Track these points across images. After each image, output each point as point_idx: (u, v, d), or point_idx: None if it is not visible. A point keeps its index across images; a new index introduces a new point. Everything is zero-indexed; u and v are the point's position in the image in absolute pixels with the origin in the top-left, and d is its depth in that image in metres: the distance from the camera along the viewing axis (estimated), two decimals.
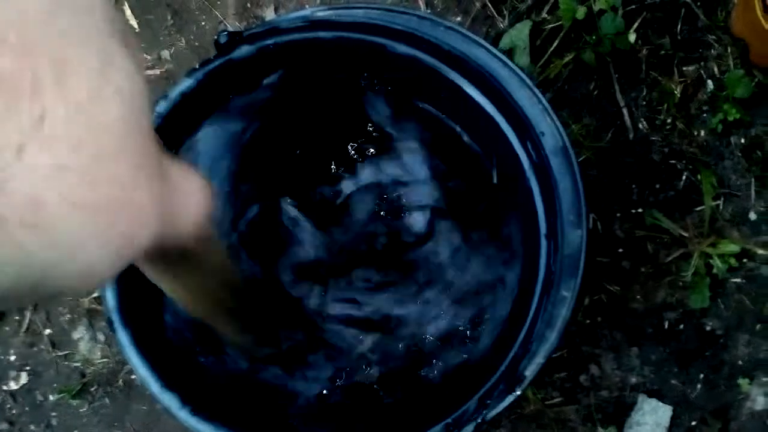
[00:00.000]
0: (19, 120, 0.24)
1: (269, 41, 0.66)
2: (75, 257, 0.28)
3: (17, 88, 0.24)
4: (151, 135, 0.31)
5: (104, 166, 0.27)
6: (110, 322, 0.64)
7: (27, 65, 0.25)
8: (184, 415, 0.62)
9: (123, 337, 0.64)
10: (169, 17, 1.02)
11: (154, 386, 0.63)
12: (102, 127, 0.27)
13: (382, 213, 0.79)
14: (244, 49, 0.66)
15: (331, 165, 0.80)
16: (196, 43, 1.02)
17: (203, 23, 1.02)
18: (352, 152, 0.79)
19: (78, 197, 0.26)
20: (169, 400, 0.62)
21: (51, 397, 0.98)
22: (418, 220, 0.79)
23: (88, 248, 0.28)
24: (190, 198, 0.36)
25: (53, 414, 0.98)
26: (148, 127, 0.31)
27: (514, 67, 0.66)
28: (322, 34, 0.67)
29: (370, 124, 0.77)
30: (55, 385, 0.98)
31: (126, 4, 1.03)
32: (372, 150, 0.79)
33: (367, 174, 0.79)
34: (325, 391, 0.74)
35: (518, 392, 0.60)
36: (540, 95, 0.66)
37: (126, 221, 0.29)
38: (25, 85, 0.25)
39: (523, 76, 0.66)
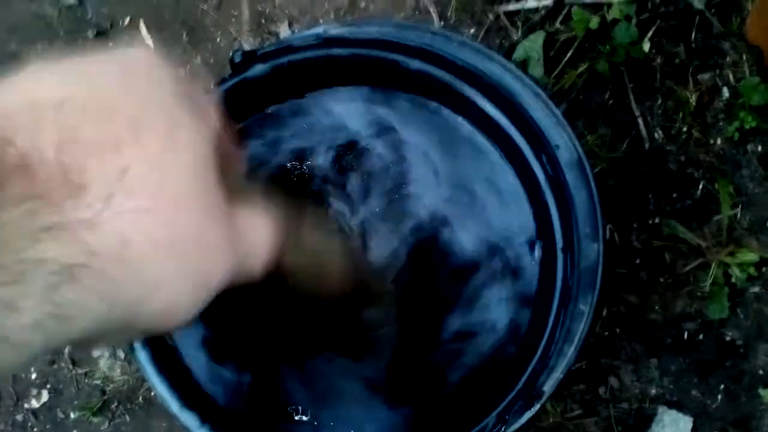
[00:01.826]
0: (107, 174, 0.29)
1: (283, 59, 0.67)
2: (158, 293, 0.31)
3: (103, 148, 0.29)
4: (217, 179, 0.34)
5: (178, 209, 0.31)
6: (129, 342, 0.65)
7: (109, 130, 0.30)
8: None
9: (142, 356, 0.64)
10: (184, 34, 1.03)
11: (173, 405, 0.63)
12: (174, 175, 0.31)
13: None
14: (258, 68, 0.66)
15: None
16: (212, 60, 1.03)
17: (218, 40, 1.03)
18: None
19: (158, 237, 0.30)
20: (188, 419, 0.63)
21: (72, 415, 0.99)
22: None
23: (169, 285, 0.31)
24: (257, 237, 0.39)
25: (74, 431, 0.99)
26: (214, 173, 0.34)
27: (528, 81, 0.66)
28: (335, 51, 0.67)
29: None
30: (75, 402, 0.99)
31: (141, 21, 1.04)
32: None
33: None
34: None
35: (537, 407, 0.60)
36: (554, 108, 0.66)
37: (201, 259, 0.33)
38: (109, 145, 0.29)
39: (537, 89, 0.66)
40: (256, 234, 0.38)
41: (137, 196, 0.29)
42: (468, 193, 0.73)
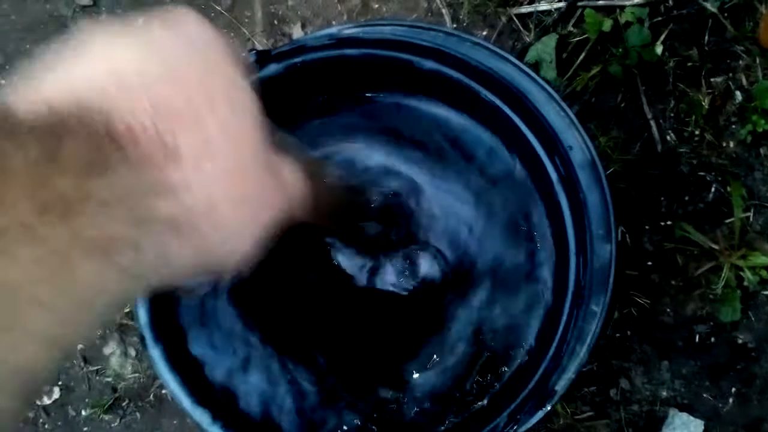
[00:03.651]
0: (195, 141, 0.33)
1: (297, 59, 0.67)
2: (230, 240, 0.36)
3: (188, 117, 0.33)
4: (267, 141, 0.38)
5: (247, 169, 0.36)
6: (142, 338, 0.65)
7: (190, 100, 0.33)
8: (215, 431, 0.63)
9: (155, 353, 0.65)
10: None
11: (185, 402, 0.63)
12: (241, 137, 0.36)
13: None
14: (272, 68, 0.67)
15: None
16: None
17: (231, 41, 1.03)
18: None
19: (234, 194, 0.35)
20: (200, 416, 0.63)
21: (83, 412, 0.99)
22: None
23: (238, 232, 0.37)
24: (297, 185, 0.43)
25: (85, 429, 0.99)
26: (264, 134, 0.38)
27: (541, 82, 0.66)
28: (349, 51, 0.67)
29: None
30: (87, 399, 0.99)
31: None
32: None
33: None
34: (357, 421, 0.74)
35: (548, 407, 0.60)
36: (567, 109, 0.66)
37: (262, 209, 0.38)
38: (193, 115, 0.33)
39: (550, 90, 0.66)
40: (296, 183, 0.43)
41: (219, 160, 0.34)
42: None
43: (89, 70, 0.32)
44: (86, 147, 0.29)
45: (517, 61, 0.67)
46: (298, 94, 0.70)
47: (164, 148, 0.31)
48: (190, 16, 0.37)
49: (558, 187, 0.65)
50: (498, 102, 0.66)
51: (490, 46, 0.67)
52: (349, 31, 0.68)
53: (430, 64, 0.67)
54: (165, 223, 0.32)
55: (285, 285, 0.75)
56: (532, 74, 0.66)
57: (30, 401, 0.34)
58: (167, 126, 0.32)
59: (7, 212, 0.27)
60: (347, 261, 0.74)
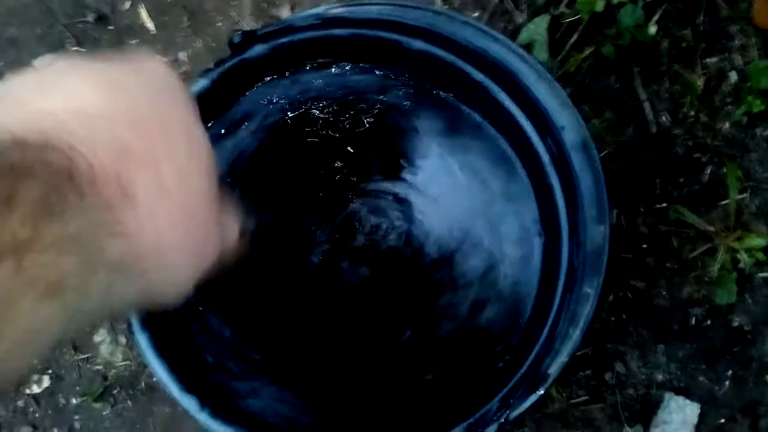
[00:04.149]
0: (151, 185, 0.33)
1: (283, 40, 0.66)
2: (173, 277, 0.37)
3: (147, 161, 0.33)
4: (216, 190, 0.40)
5: (197, 217, 0.37)
6: (129, 325, 0.64)
7: (149, 142, 0.33)
8: (203, 417, 0.62)
9: (142, 339, 0.64)
10: (185, 19, 1.02)
11: (173, 389, 0.63)
12: (195, 181, 0.37)
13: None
14: (258, 49, 0.66)
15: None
16: (213, 45, 1.02)
17: (219, 24, 1.02)
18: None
19: (183, 234, 0.36)
20: (188, 403, 0.62)
21: (73, 401, 0.98)
22: None
23: (181, 269, 0.37)
24: (230, 231, 0.45)
25: (76, 417, 0.98)
26: (215, 184, 0.39)
27: (532, 61, 0.65)
28: (336, 31, 0.66)
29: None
30: (77, 388, 0.98)
31: (142, 5, 1.03)
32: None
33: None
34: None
35: (542, 391, 0.59)
36: (560, 89, 0.64)
37: (205, 248, 0.39)
38: (151, 158, 0.33)
39: (542, 69, 0.65)
40: (232, 229, 0.45)
41: (172, 206, 0.34)
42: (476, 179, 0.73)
43: (54, 105, 0.32)
44: (44, 187, 0.28)
45: (507, 41, 0.66)
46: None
47: (121, 189, 0.31)
48: (155, 60, 0.39)
49: (550, 168, 0.64)
50: (488, 82, 0.65)
51: (480, 26, 0.66)
52: (336, 10, 0.67)
53: (418, 44, 0.66)
54: (114, 263, 0.32)
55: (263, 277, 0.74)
56: (524, 53, 0.65)
57: None
58: (126, 168, 0.32)
59: None
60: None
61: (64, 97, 0.32)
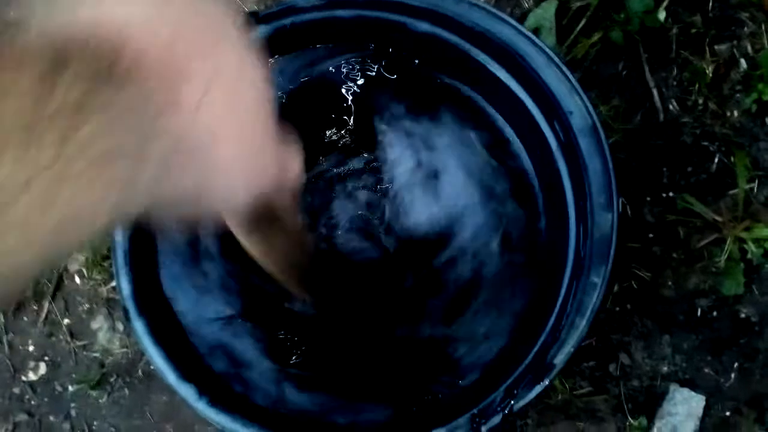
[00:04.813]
0: (206, 69, 0.33)
1: (286, 21, 0.65)
2: (221, 178, 0.37)
3: (202, 48, 0.33)
4: (272, 106, 0.39)
5: (254, 124, 0.37)
6: (125, 311, 0.63)
7: (204, 34, 0.34)
8: (201, 406, 0.61)
9: (138, 326, 0.63)
10: None
11: (170, 377, 0.61)
12: (248, 87, 0.36)
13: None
14: (261, 30, 0.64)
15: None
16: None
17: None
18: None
19: (233, 132, 0.36)
20: (185, 391, 0.61)
21: (70, 388, 0.97)
22: None
23: (229, 174, 0.37)
24: (290, 166, 0.44)
25: (72, 404, 0.97)
26: (270, 99, 0.38)
27: (541, 44, 0.63)
28: (340, 12, 0.65)
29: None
30: (74, 375, 0.97)
31: None
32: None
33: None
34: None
35: (547, 382, 0.58)
36: (569, 73, 0.63)
37: (256, 162, 0.39)
38: (206, 46, 0.33)
39: (551, 53, 0.63)
40: (291, 164, 0.44)
41: (226, 93, 0.34)
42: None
43: (109, 6, 0.32)
44: (96, 59, 0.29)
45: (515, 23, 0.64)
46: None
47: (179, 69, 0.32)
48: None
49: (558, 154, 0.63)
50: (494, 65, 0.64)
51: (488, 7, 0.64)
52: None
53: (424, 26, 0.64)
54: (169, 137, 0.32)
55: None
56: (532, 36, 0.64)
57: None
58: (186, 51, 0.32)
59: (10, 117, 0.27)
60: None
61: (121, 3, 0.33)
